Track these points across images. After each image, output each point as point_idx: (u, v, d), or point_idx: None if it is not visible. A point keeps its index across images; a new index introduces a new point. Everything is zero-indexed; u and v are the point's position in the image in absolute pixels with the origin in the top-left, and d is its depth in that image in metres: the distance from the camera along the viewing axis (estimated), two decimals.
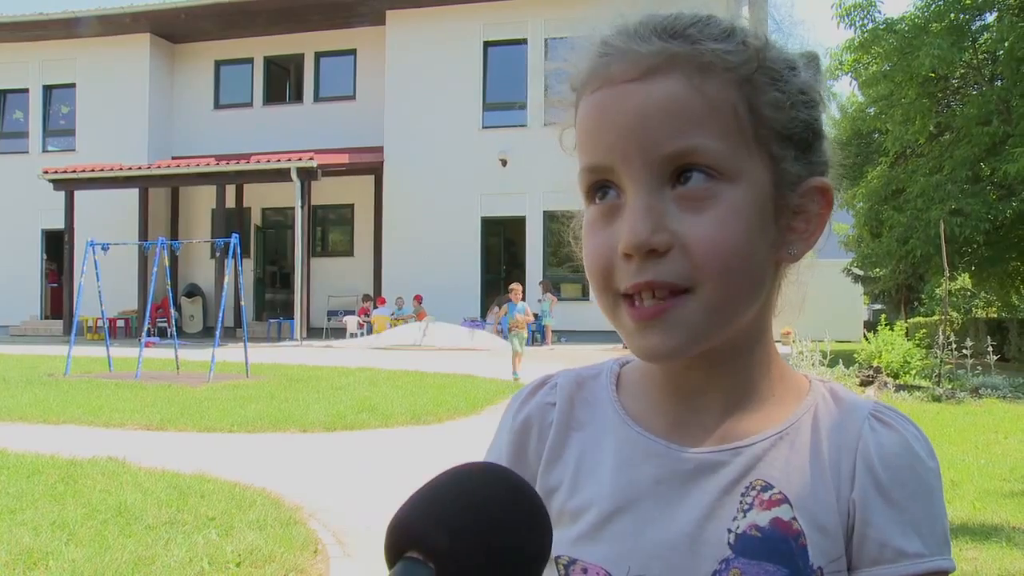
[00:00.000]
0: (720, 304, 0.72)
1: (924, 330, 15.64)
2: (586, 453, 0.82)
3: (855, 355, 13.69)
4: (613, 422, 0.82)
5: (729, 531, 0.74)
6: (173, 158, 23.91)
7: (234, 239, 13.22)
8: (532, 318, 12.78)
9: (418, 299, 21.14)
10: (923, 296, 30.21)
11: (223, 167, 21.22)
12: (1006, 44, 15.14)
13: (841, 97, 24.71)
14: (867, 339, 13.83)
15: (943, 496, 0.77)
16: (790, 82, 0.75)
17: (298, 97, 25.17)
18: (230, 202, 22.44)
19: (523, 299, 12.99)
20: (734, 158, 0.72)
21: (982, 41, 16.78)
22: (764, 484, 0.75)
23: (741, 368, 0.79)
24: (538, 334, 20.76)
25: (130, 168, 22.01)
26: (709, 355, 0.77)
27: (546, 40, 20.52)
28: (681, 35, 0.72)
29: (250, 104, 25.12)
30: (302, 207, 20.58)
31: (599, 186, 0.75)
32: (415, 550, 0.54)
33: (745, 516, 0.74)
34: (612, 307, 0.75)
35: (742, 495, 0.75)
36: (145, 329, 14.09)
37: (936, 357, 12.34)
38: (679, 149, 0.71)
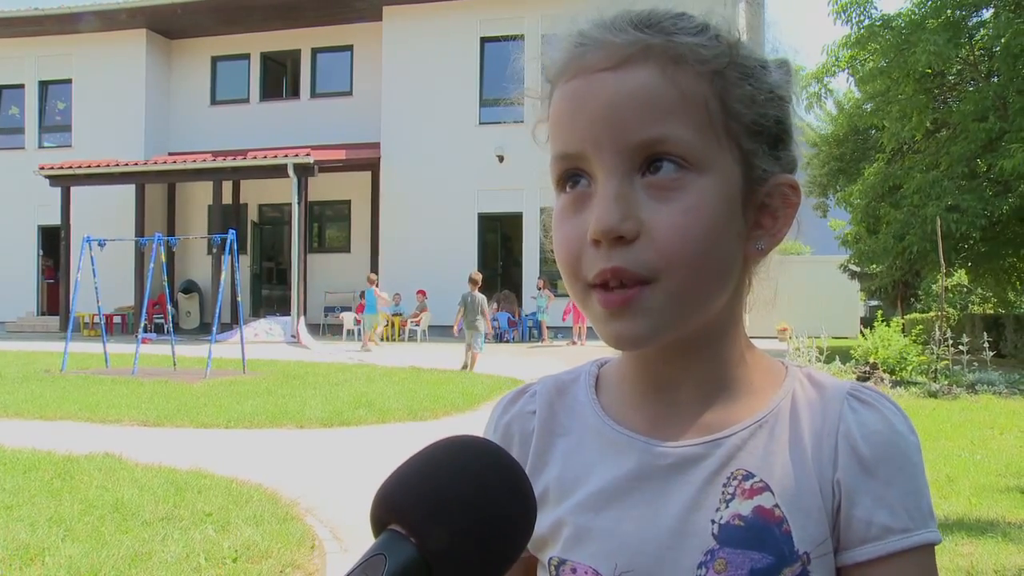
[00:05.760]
0: (686, 292, 0.72)
1: (920, 326, 15.64)
2: (571, 457, 0.83)
3: (852, 351, 13.70)
4: (594, 423, 0.83)
5: (713, 522, 0.75)
6: (170, 154, 23.86)
7: (231, 235, 13.21)
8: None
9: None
10: (920, 292, 30.21)
11: (220, 163, 21.21)
12: (1002, 40, 15.13)
13: (838, 93, 24.68)
14: (864, 335, 13.83)
15: (924, 469, 0.77)
16: (761, 79, 0.76)
17: (295, 93, 25.13)
18: (227, 198, 22.40)
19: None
20: (704, 149, 0.72)
21: (979, 37, 16.78)
22: (745, 473, 0.76)
23: (714, 358, 0.80)
24: (535, 330, 20.81)
25: (127, 164, 21.97)
26: (680, 346, 0.77)
27: (543, 36, 20.47)
28: (656, 27, 0.73)
29: (247, 100, 25.08)
30: (299, 203, 20.56)
31: (570, 175, 0.75)
32: (398, 524, 0.54)
33: (728, 506, 0.75)
34: (583, 295, 0.75)
35: (723, 485, 0.76)
36: (142, 325, 14.11)
37: (932, 353, 12.36)
38: (650, 137, 0.71)
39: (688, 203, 0.71)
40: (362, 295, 22.41)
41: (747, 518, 0.74)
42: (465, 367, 13.53)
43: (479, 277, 14.02)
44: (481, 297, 13.74)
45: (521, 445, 0.86)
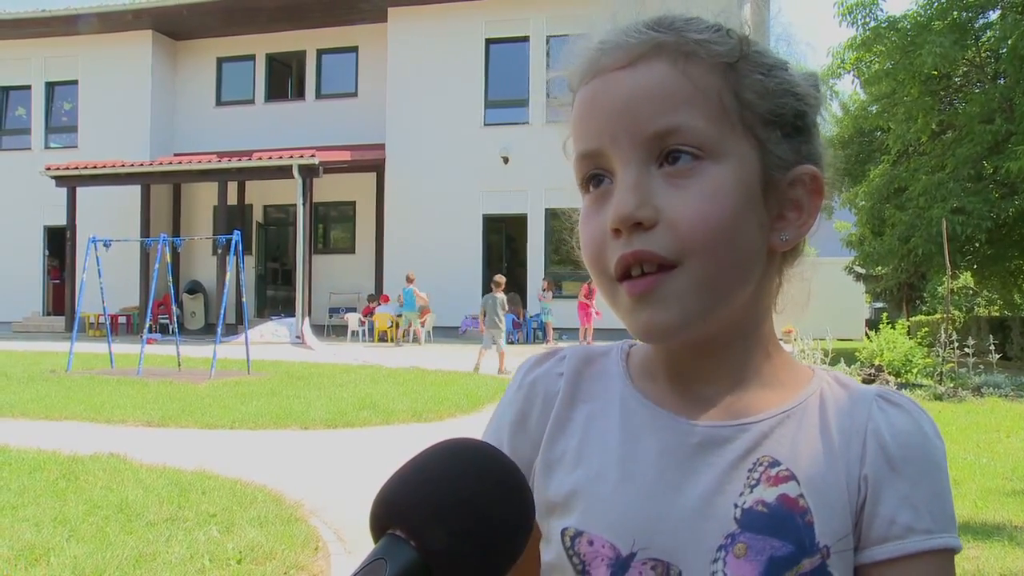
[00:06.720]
0: (709, 278, 0.73)
1: (926, 329, 15.61)
2: (593, 425, 0.82)
3: (857, 354, 13.67)
4: (622, 394, 0.83)
5: (735, 506, 0.74)
6: (175, 155, 23.91)
7: (236, 236, 13.23)
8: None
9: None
10: (925, 295, 30.19)
11: (225, 164, 21.24)
12: (1009, 42, 15.11)
13: (843, 95, 24.68)
14: (869, 337, 13.81)
15: (949, 476, 0.77)
16: (777, 75, 0.77)
17: (300, 94, 25.15)
18: (232, 199, 22.44)
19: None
20: (719, 137, 0.73)
21: (985, 39, 16.76)
22: (771, 460, 0.76)
23: (740, 354, 0.80)
24: (539, 332, 20.79)
25: (132, 165, 22.02)
26: (706, 342, 0.78)
27: (548, 37, 20.50)
28: (668, 27, 0.75)
29: (252, 101, 25.11)
30: (304, 204, 20.58)
31: (592, 175, 0.77)
32: (398, 527, 0.55)
33: (752, 492, 0.75)
34: (610, 289, 0.76)
35: (749, 471, 0.76)
36: (147, 326, 14.10)
37: (938, 356, 12.32)
38: (665, 127, 0.72)
39: (705, 189, 0.72)
40: (369, 298, 22.49)
41: (771, 505, 0.74)
42: (500, 370, 13.59)
43: (502, 280, 14.61)
44: (501, 298, 14.24)
45: (544, 405, 0.85)
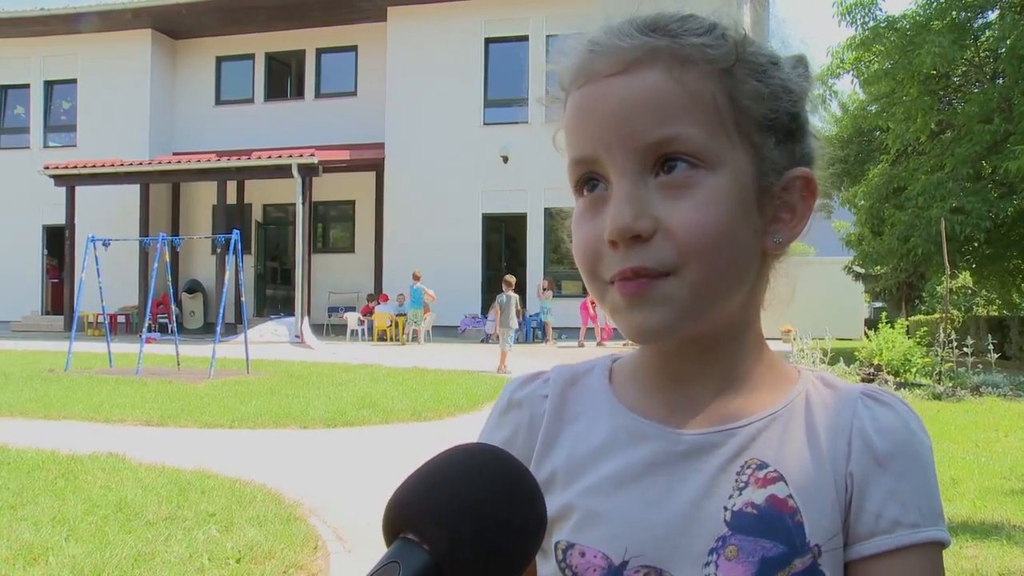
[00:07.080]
0: (704, 283, 0.73)
1: (925, 328, 15.59)
2: (580, 442, 0.83)
3: (856, 353, 13.68)
4: (607, 410, 0.83)
5: (725, 509, 0.75)
6: (174, 154, 23.90)
7: (235, 235, 13.22)
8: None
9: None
10: (924, 294, 30.20)
11: (224, 163, 21.23)
12: (1008, 42, 15.10)
13: (842, 95, 24.65)
14: (868, 337, 13.81)
15: (936, 472, 0.78)
16: (772, 75, 0.77)
17: (299, 93, 25.15)
18: (231, 198, 22.43)
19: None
20: (715, 146, 0.73)
21: (984, 39, 16.76)
22: (759, 463, 0.76)
23: (731, 355, 0.80)
24: (539, 331, 20.80)
25: (131, 164, 22.00)
26: (699, 342, 0.78)
27: (547, 37, 20.52)
28: (662, 30, 0.74)
29: (251, 100, 25.10)
30: (303, 203, 20.57)
31: (587, 179, 0.76)
32: (411, 531, 0.55)
33: (741, 494, 0.75)
34: (602, 292, 0.76)
35: (737, 474, 0.76)
36: (146, 325, 14.11)
37: (937, 355, 12.33)
38: (660, 138, 0.72)
39: (702, 198, 0.72)
40: (369, 298, 22.48)
41: (760, 507, 0.74)
42: (499, 369, 13.55)
43: (513, 279, 14.60)
44: (516, 297, 14.34)
45: (530, 428, 0.86)
